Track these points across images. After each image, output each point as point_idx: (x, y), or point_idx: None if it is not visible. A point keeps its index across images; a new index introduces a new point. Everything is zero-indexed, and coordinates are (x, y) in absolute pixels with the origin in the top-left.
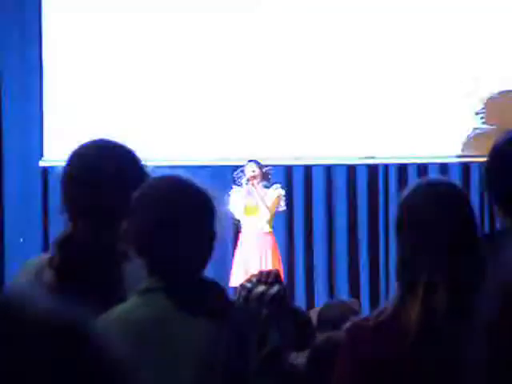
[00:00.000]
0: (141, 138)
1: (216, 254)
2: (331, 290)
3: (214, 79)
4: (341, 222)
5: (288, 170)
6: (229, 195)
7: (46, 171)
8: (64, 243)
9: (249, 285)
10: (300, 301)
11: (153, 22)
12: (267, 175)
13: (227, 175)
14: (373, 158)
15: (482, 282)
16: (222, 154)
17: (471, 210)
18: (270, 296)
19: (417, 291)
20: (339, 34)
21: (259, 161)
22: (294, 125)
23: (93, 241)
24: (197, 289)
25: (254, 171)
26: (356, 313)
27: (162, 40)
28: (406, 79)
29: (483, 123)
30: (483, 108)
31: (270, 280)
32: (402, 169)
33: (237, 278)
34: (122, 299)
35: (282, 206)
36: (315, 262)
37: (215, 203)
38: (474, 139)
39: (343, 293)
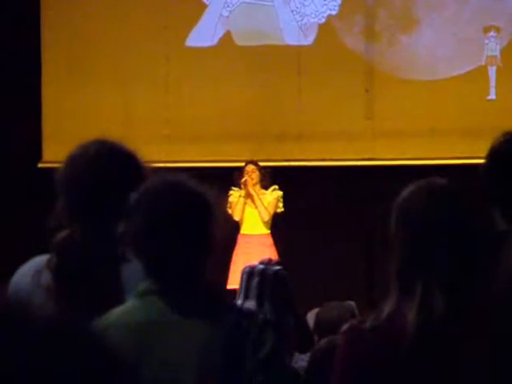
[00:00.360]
0: (140, 139)
1: (214, 255)
2: (329, 291)
3: (214, 79)
4: (339, 223)
5: (286, 172)
6: (227, 197)
7: (44, 173)
8: (62, 245)
9: (253, 264)
10: (298, 302)
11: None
12: (266, 177)
13: (226, 176)
14: (373, 158)
15: (482, 283)
16: (222, 155)
17: (471, 210)
18: (273, 271)
19: (414, 292)
20: None
21: (258, 162)
22: (293, 125)
23: (91, 242)
24: (193, 291)
25: (252, 172)
26: (354, 315)
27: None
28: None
29: (482, 123)
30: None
31: (272, 262)
32: (402, 169)
33: (235, 279)
34: (119, 301)
35: (281, 208)
36: (314, 263)
37: (213, 205)
38: (473, 140)
39: (341, 294)
